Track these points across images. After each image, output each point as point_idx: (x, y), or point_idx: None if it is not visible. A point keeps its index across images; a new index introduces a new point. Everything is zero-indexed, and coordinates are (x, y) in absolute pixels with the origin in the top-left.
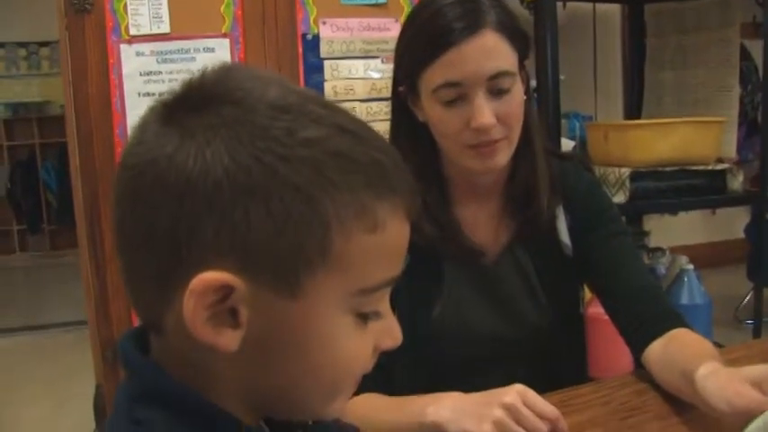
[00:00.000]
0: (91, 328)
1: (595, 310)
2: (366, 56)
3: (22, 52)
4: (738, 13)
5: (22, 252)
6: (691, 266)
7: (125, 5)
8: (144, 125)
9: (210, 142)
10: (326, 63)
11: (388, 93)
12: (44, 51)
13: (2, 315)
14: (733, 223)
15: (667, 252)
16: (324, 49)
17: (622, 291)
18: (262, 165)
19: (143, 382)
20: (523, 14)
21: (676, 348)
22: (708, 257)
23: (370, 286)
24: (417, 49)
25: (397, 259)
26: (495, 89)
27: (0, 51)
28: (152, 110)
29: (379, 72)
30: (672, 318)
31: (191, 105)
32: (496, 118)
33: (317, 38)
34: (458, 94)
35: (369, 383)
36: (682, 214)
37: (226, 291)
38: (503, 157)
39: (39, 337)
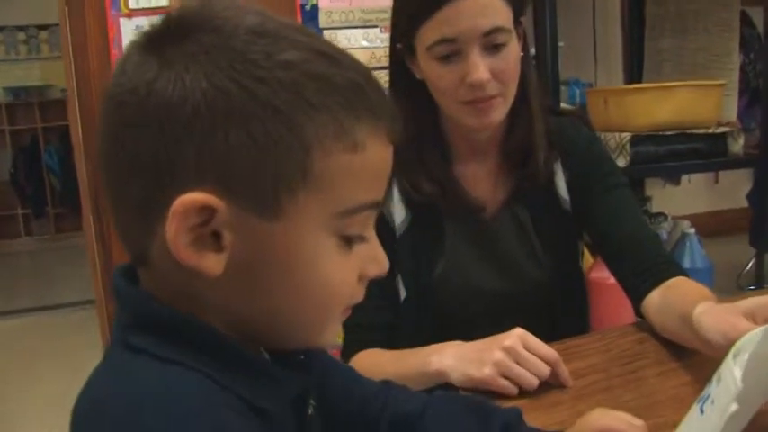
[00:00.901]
0: (98, 304)
1: (598, 274)
2: (365, 25)
3: (22, 36)
4: None
5: (27, 236)
6: (692, 230)
7: None
8: (126, 57)
9: (189, 68)
10: (326, 33)
11: (387, 62)
12: (43, 35)
13: (10, 297)
14: (736, 192)
15: (669, 217)
16: (323, 20)
17: (621, 241)
18: (240, 87)
19: (134, 309)
20: None
21: (674, 295)
22: (711, 226)
23: (351, 207)
24: (413, 7)
25: (378, 181)
26: (491, 45)
27: None
28: (133, 42)
29: (378, 41)
30: (670, 266)
31: (170, 35)
32: (492, 74)
33: (315, 8)
34: (453, 51)
35: (372, 340)
36: (684, 183)
37: (208, 213)
38: (498, 113)
39: (47, 317)
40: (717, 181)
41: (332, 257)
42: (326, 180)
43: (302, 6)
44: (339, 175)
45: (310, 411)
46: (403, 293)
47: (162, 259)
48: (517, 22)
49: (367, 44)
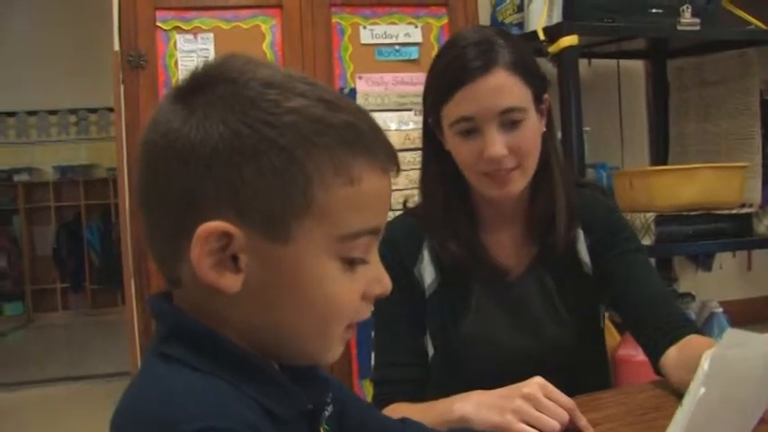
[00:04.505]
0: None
1: (625, 352)
2: (400, 108)
3: (73, 118)
4: (756, 64)
5: (63, 310)
6: (720, 310)
7: (176, 61)
8: (159, 108)
9: (209, 115)
10: None
11: (420, 143)
12: (93, 117)
13: (44, 366)
14: None
15: (696, 298)
16: (360, 102)
17: (637, 301)
18: (251, 130)
19: (167, 323)
20: (548, 68)
21: (691, 350)
22: (743, 314)
23: (351, 232)
24: (438, 87)
25: (376, 210)
26: (508, 122)
27: (53, 118)
28: (166, 95)
29: (411, 124)
30: (685, 325)
31: (194, 87)
32: (509, 149)
33: (353, 91)
34: (472, 127)
35: (400, 394)
36: (716, 270)
37: (226, 239)
38: (516, 185)
39: (80, 387)
40: (750, 268)
41: (335, 278)
42: (328, 209)
43: (341, 89)
44: (339, 205)
45: None
46: (431, 351)
47: (190, 279)
48: (538, 99)
49: (402, 126)
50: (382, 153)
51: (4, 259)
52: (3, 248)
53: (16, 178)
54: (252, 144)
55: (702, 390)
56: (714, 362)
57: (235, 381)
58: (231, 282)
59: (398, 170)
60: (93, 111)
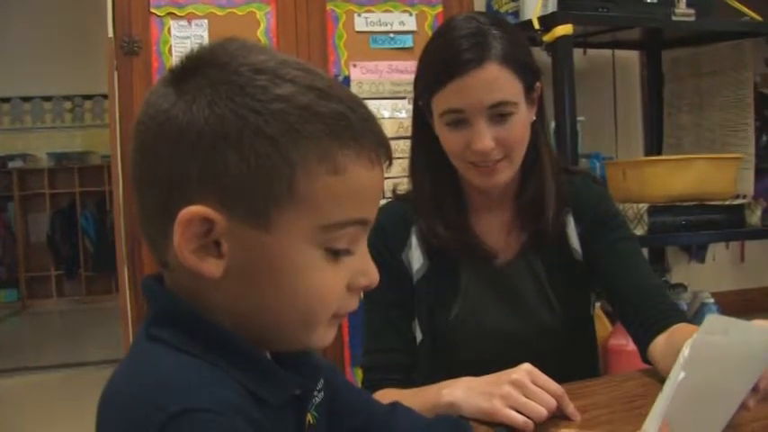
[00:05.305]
0: None
1: (617, 341)
2: (394, 96)
3: (68, 105)
4: (751, 56)
5: (58, 297)
6: (711, 300)
7: (170, 47)
8: (152, 90)
9: (197, 99)
10: None
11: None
12: (88, 104)
13: (39, 353)
14: (762, 270)
15: (689, 288)
16: (354, 90)
17: (628, 290)
18: (237, 116)
19: (157, 304)
20: (542, 57)
21: (678, 338)
22: (736, 305)
23: (334, 223)
24: (429, 76)
25: (362, 201)
26: (496, 115)
27: (48, 104)
28: (160, 78)
29: (404, 112)
30: (674, 314)
31: (186, 70)
32: (496, 142)
33: (347, 79)
34: (461, 119)
35: (389, 381)
36: (709, 261)
37: (208, 224)
38: (503, 175)
39: (74, 374)
40: (743, 259)
41: (318, 267)
42: (311, 198)
43: (335, 77)
44: (323, 194)
45: (310, 420)
46: (419, 336)
47: (176, 263)
48: (529, 89)
49: (395, 115)
50: (372, 144)
51: None
52: None
53: (10, 165)
54: (237, 130)
55: (682, 374)
56: (695, 348)
57: (222, 364)
58: (213, 267)
59: (390, 161)
60: (88, 97)
